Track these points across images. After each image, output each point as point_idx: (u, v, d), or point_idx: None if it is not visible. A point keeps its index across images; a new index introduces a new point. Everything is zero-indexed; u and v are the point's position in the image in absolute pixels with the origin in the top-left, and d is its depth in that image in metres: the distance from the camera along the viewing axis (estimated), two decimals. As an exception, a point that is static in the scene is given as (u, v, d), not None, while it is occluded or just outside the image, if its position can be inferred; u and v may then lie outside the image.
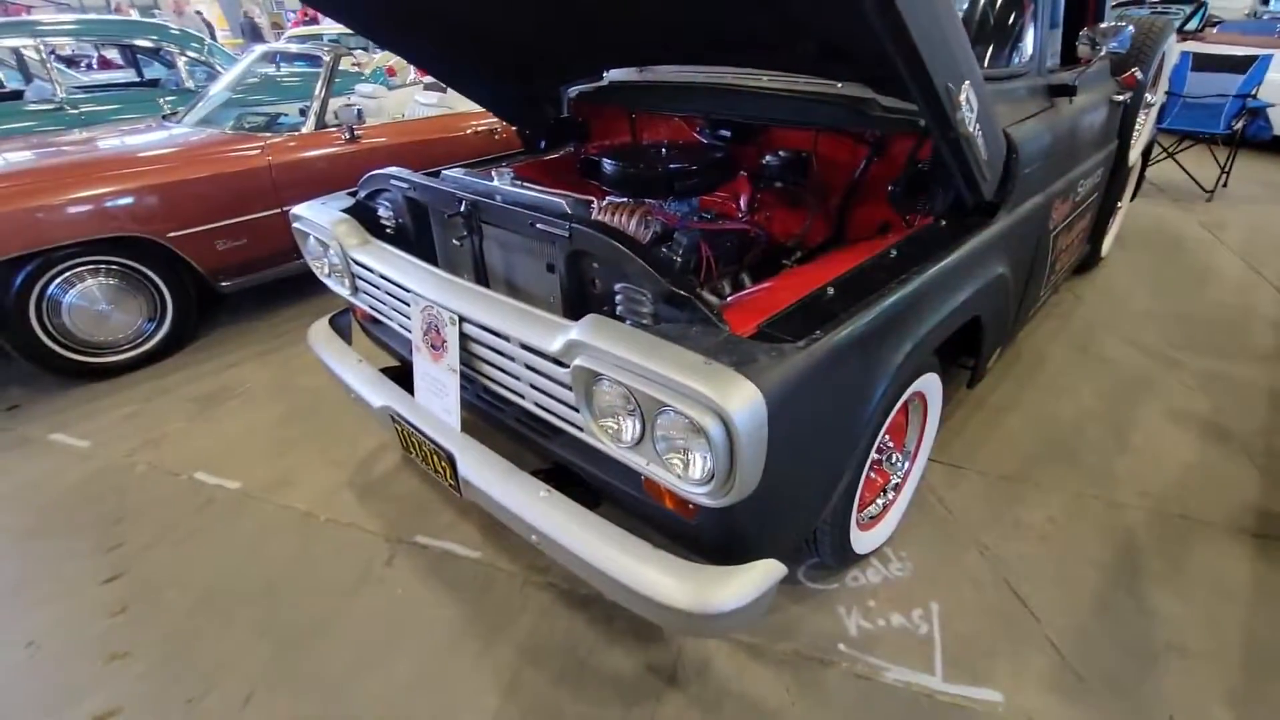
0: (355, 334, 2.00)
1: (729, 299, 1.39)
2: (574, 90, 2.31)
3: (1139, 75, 2.23)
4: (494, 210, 1.40)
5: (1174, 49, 2.60)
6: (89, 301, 2.62)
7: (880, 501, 1.73)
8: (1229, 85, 4.48)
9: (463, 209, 1.45)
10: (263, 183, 2.92)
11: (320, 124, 3.17)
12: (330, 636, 1.59)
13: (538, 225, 1.28)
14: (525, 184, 1.42)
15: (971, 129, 1.20)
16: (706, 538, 1.19)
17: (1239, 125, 4.34)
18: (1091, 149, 2.12)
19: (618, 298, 1.22)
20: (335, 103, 3.26)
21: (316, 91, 3.17)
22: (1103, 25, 1.74)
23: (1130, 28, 1.72)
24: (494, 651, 1.53)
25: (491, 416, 1.54)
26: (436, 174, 1.68)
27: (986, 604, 1.63)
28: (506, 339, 1.27)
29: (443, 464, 1.45)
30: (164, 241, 2.71)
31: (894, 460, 1.66)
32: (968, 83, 1.13)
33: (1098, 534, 1.82)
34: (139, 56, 5.60)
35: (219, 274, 2.92)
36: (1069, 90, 1.76)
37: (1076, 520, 1.86)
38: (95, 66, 8.97)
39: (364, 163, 3.19)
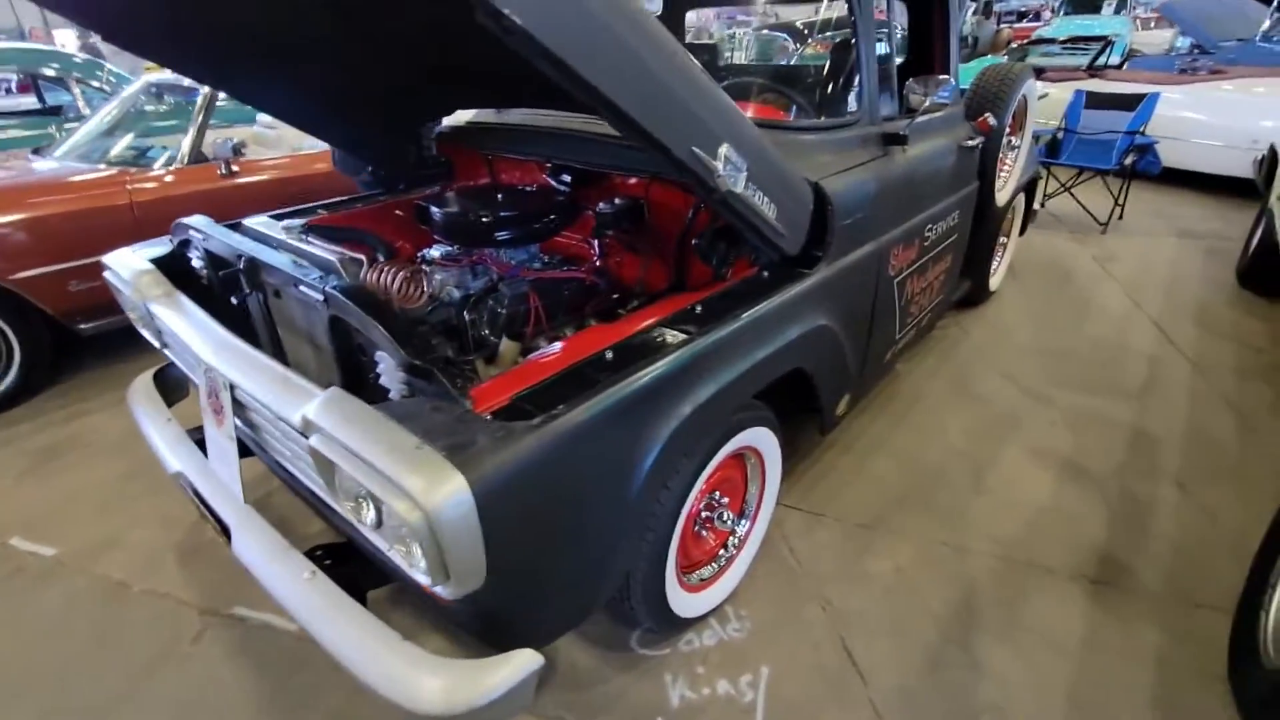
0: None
1: (527, 358, 1.34)
2: (434, 129, 2.25)
3: (992, 120, 2.28)
4: (267, 269, 1.32)
5: (1034, 91, 2.68)
6: (-83, 349, 2.44)
7: (716, 563, 1.68)
8: (1119, 122, 4.69)
9: (241, 265, 1.37)
10: (123, 220, 2.78)
11: (196, 158, 3.05)
12: (108, 728, 1.45)
13: (301, 288, 1.21)
14: (309, 239, 1.35)
15: (741, 188, 1.17)
16: (465, 621, 1.11)
17: (1129, 161, 4.53)
18: (942, 193, 2.15)
19: (380, 367, 1.15)
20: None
21: (192, 124, 3.06)
22: (937, 77, 1.76)
23: (951, 80, 1.75)
24: (286, 739, 1.42)
25: (290, 483, 1.45)
26: (237, 224, 1.60)
27: (819, 665, 1.58)
28: (267, 407, 1.18)
29: (222, 536, 1.35)
30: (7, 284, 2.54)
31: (725, 519, 1.62)
32: (727, 145, 1.11)
33: (942, 583, 1.79)
34: (42, 84, 5.42)
35: (75, 316, 2.75)
36: (900, 139, 1.78)
37: (923, 569, 1.84)
38: (14, 91, 8.67)
39: (241, 199, 3.08)
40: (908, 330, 2.22)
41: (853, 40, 1.67)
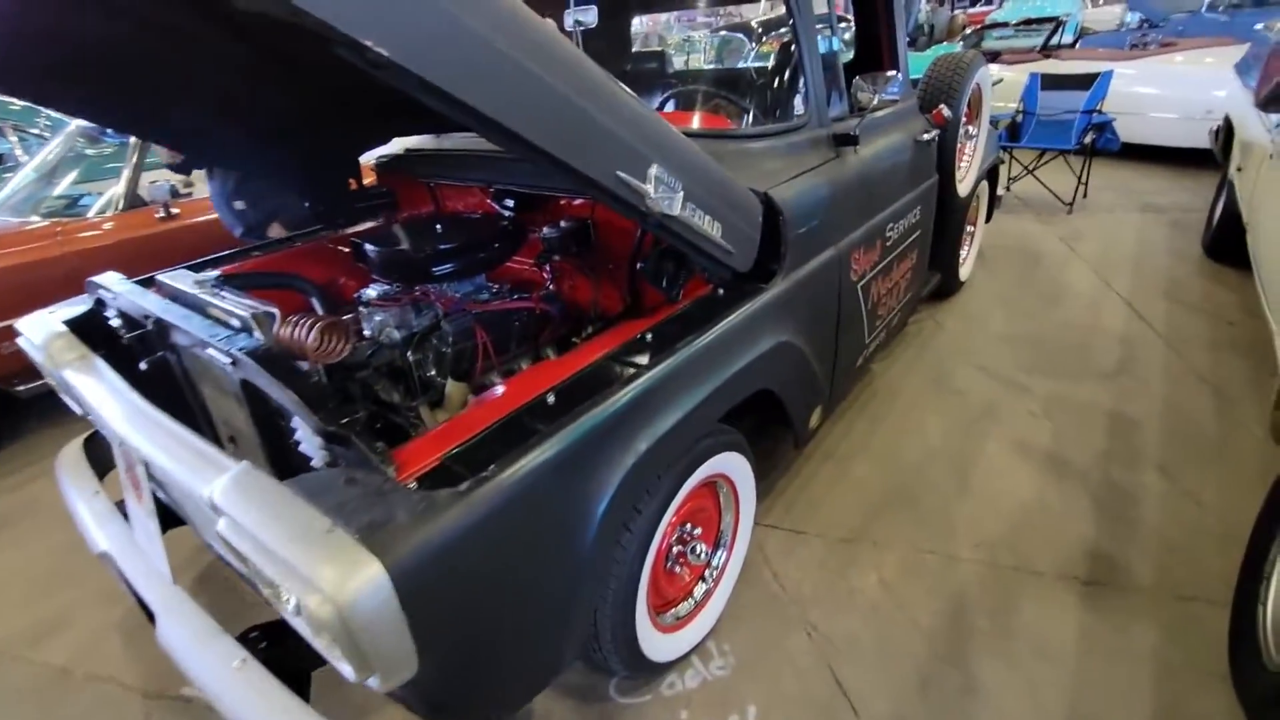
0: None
1: (478, 398, 1.25)
2: (373, 158, 2.16)
3: (946, 112, 2.23)
4: (175, 330, 1.22)
5: (988, 78, 2.64)
6: None
7: (693, 599, 1.59)
8: (1076, 102, 4.69)
9: (150, 325, 1.27)
10: (56, 273, 2.64)
11: (132, 203, 2.92)
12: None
13: (209, 350, 1.11)
14: (222, 292, 1.25)
15: (678, 210, 1.09)
16: (413, 705, 1.02)
17: (1089, 139, 4.53)
18: (901, 190, 2.09)
19: (297, 433, 1.05)
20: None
21: (126, 167, 2.93)
22: (885, 74, 1.69)
23: (899, 76, 1.69)
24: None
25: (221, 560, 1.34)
26: (151, 279, 1.49)
27: (808, 697, 1.50)
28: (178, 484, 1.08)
29: (150, 621, 1.24)
30: (-70, 350, 2.40)
31: (699, 552, 1.53)
32: (657, 165, 1.03)
33: (929, 596, 1.72)
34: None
35: (11, 379, 2.61)
36: (852, 140, 1.71)
37: (910, 581, 1.77)
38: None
39: (183, 242, 2.95)
40: (878, 333, 2.16)
41: (792, 40, 1.61)
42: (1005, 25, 8.55)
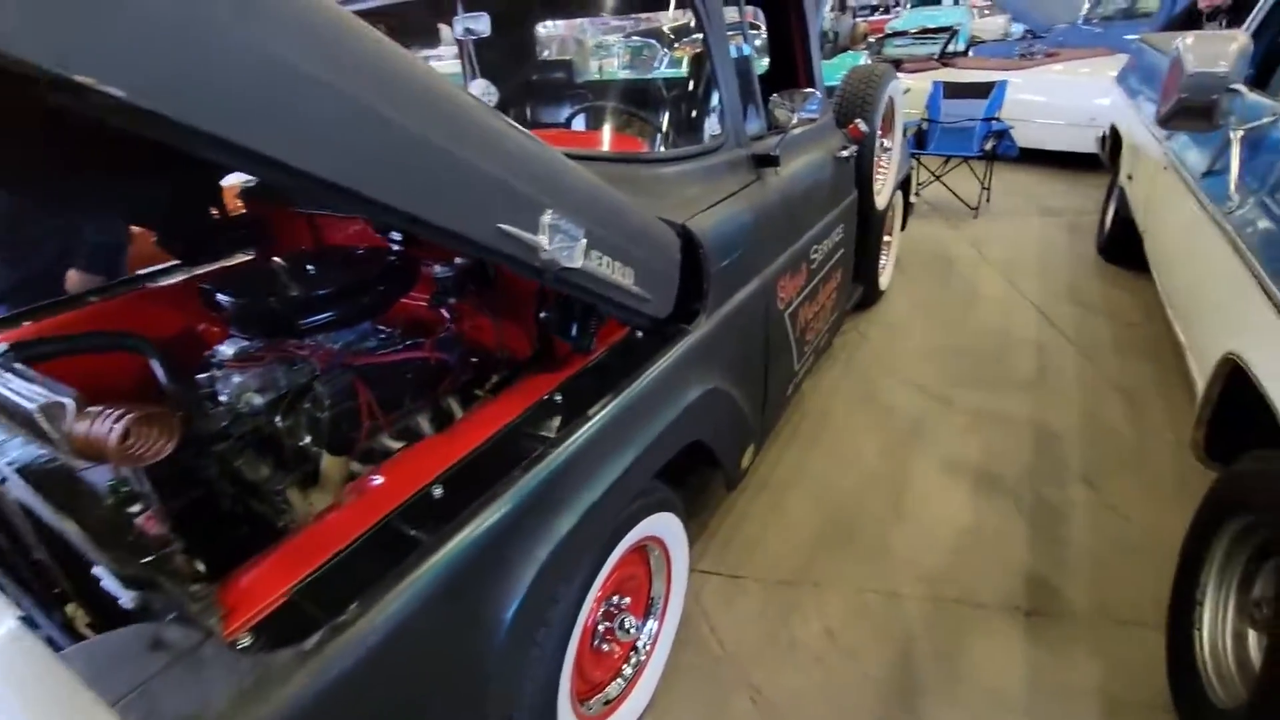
0: None
1: (365, 471, 1.04)
2: (233, 184, 1.87)
3: (862, 126, 2.18)
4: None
5: (899, 90, 2.62)
6: None
7: (623, 678, 1.42)
8: (976, 110, 4.87)
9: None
10: None
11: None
12: None
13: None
14: (11, 374, 0.97)
15: (579, 261, 0.92)
16: None
17: (990, 146, 4.71)
18: (823, 209, 2.01)
19: (95, 569, 0.81)
20: None
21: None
22: (803, 90, 1.59)
23: (818, 93, 1.60)
24: None
25: None
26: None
27: (755, 776, 1.37)
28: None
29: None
30: None
31: (628, 626, 1.37)
32: (551, 212, 0.86)
33: (876, 642, 1.63)
34: None
35: None
36: (772, 160, 1.60)
37: (855, 626, 1.68)
38: None
39: None
40: (807, 358, 2.07)
41: (705, 53, 1.47)
42: (904, 34, 8.91)
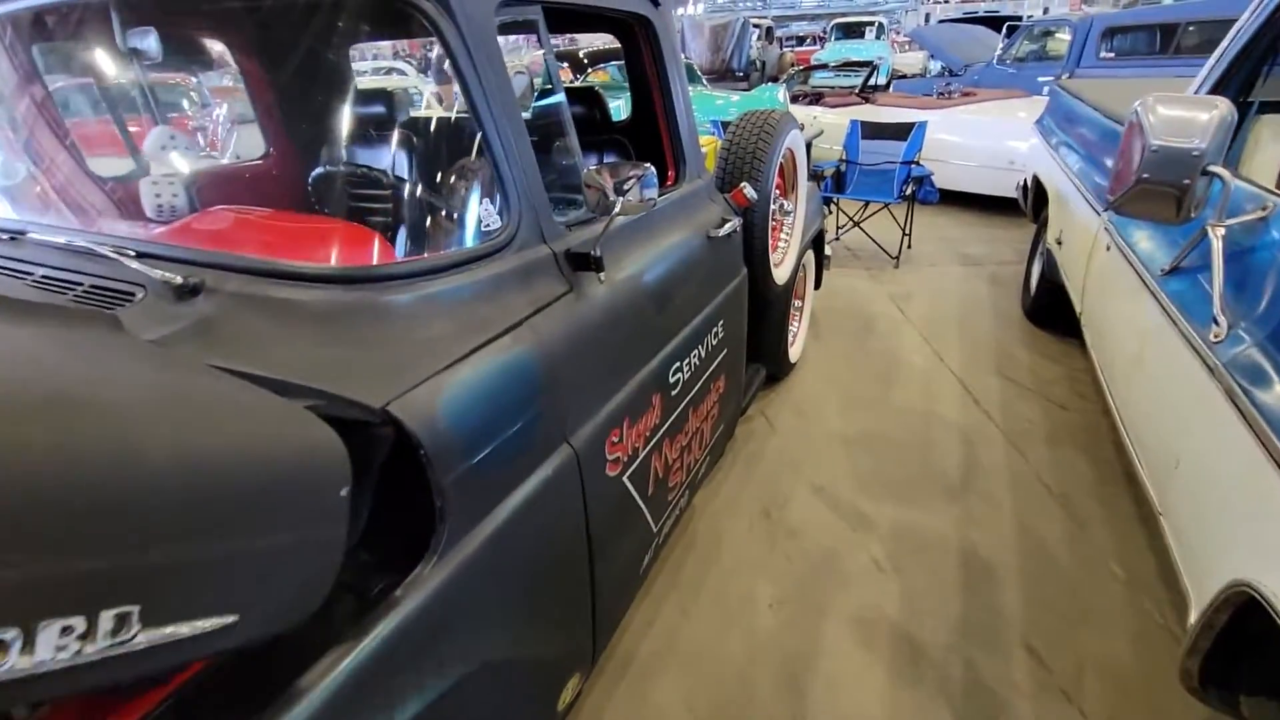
0: None
1: None
2: None
3: (749, 193, 1.70)
4: None
5: (800, 141, 2.17)
6: None
7: None
8: (895, 151, 4.58)
9: None
10: None
11: None
12: None
13: None
14: None
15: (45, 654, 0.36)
16: None
17: (909, 191, 4.41)
18: (689, 310, 1.50)
19: None
20: None
21: None
22: (629, 164, 1.07)
23: (649, 170, 1.09)
24: None
25: None
26: None
27: None
28: None
29: None
30: None
31: None
32: None
33: None
34: None
35: None
36: (591, 262, 1.08)
37: None
38: None
39: None
40: (673, 508, 1.55)
41: (471, 105, 0.93)
42: (826, 67, 8.77)
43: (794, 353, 2.93)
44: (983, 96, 6.33)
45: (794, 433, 2.61)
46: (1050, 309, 3.17)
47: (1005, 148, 5.25)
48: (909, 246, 4.65)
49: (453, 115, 0.94)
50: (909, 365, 3.11)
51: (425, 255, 0.91)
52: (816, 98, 7.33)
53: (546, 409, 0.98)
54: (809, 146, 3.36)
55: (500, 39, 0.96)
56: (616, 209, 1.03)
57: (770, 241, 2.03)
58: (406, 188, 1.21)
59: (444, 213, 1.14)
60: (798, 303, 2.97)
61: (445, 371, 0.83)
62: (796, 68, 10.49)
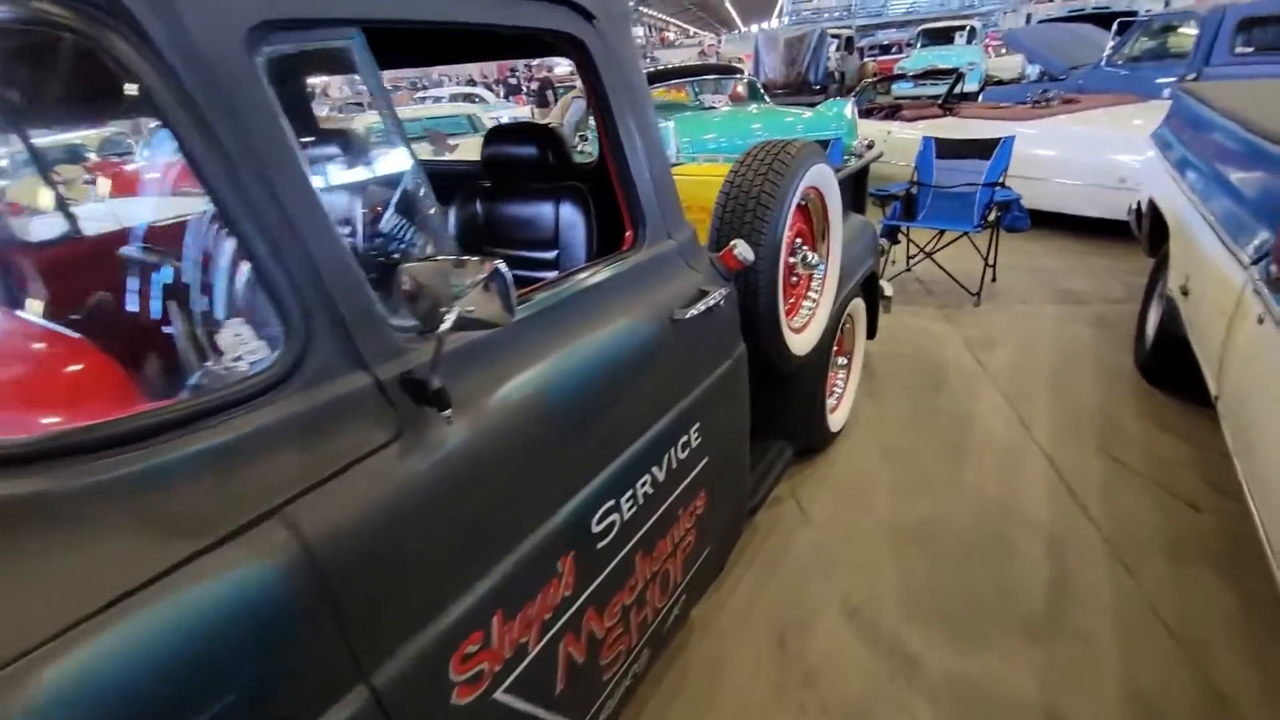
0: None
1: None
2: None
3: (741, 255, 1.29)
4: None
5: (827, 177, 1.73)
6: None
7: None
8: (977, 173, 3.98)
9: None
10: None
11: None
12: None
13: None
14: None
15: None
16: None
17: (993, 216, 3.80)
18: (642, 420, 1.09)
19: None
20: None
21: None
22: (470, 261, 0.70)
23: (500, 269, 0.71)
24: None
25: None
26: None
27: None
28: None
29: None
30: None
31: None
32: None
33: None
34: None
35: None
36: (430, 396, 0.72)
37: None
38: None
39: None
40: (622, 675, 1.15)
41: (197, 174, 0.61)
42: (905, 76, 8.10)
43: (836, 419, 2.46)
44: (1087, 103, 5.55)
45: (830, 523, 2.14)
46: (1173, 363, 2.53)
47: (1114, 162, 4.50)
48: (993, 279, 4.03)
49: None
50: (985, 435, 2.55)
51: (114, 415, 0.58)
52: (894, 111, 6.72)
53: (308, 651, 0.63)
54: (865, 171, 2.88)
55: (268, 80, 0.63)
56: (445, 325, 0.68)
57: (787, 304, 1.62)
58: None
59: (168, 338, 0.82)
60: (841, 360, 2.51)
61: (66, 637, 0.49)
62: (870, 79, 9.81)
